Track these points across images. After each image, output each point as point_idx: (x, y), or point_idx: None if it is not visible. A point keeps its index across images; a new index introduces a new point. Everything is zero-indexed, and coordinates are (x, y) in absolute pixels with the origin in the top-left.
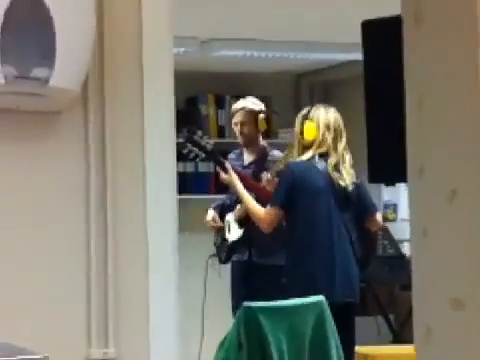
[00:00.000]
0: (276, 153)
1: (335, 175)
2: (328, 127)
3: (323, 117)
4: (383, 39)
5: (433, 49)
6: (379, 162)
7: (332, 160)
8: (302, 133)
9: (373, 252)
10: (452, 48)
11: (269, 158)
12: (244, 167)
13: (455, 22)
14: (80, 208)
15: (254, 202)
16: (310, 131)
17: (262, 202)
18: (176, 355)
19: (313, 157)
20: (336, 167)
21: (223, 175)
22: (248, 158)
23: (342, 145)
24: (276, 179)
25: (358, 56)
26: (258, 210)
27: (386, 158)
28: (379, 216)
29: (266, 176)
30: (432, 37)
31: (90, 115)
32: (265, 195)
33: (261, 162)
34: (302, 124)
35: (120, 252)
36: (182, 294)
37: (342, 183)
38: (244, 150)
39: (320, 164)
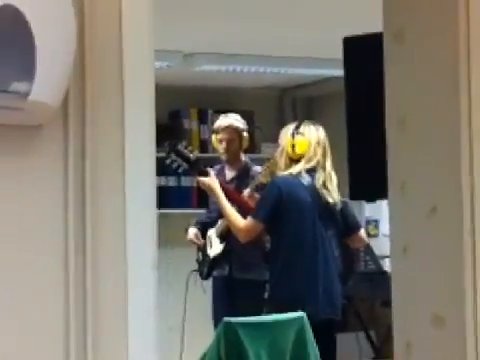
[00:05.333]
0: (258, 168)
1: (324, 192)
2: (319, 143)
3: (314, 133)
4: (364, 55)
5: (413, 68)
6: (360, 178)
7: (320, 177)
8: (293, 147)
9: (354, 268)
10: (432, 67)
11: (251, 173)
12: (226, 183)
13: (436, 41)
14: (58, 224)
15: (234, 211)
16: (301, 145)
17: (245, 215)
18: None
19: (300, 172)
20: (324, 184)
21: (203, 178)
22: (230, 174)
23: (330, 163)
24: (256, 195)
25: (341, 72)
26: (238, 220)
27: (367, 174)
28: (363, 233)
29: (247, 192)
30: (412, 56)
31: (70, 130)
32: (248, 209)
33: (243, 178)
34: (293, 137)
35: (99, 268)
36: (163, 310)
37: (331, 200)
38: (226, 166)
39: (306, 180)
